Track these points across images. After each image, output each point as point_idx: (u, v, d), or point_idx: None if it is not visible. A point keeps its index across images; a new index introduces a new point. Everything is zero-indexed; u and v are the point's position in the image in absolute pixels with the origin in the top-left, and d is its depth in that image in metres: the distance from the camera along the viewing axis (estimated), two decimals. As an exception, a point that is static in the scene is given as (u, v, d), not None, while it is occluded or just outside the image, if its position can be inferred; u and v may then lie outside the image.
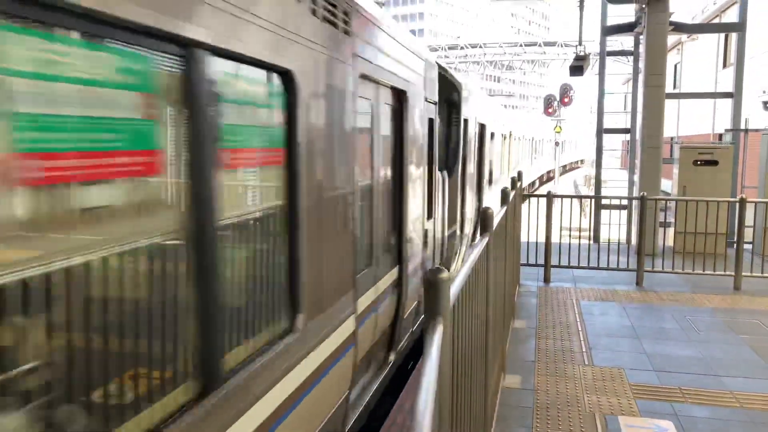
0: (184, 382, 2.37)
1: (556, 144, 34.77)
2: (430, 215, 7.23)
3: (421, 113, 6.39)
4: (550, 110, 32.23)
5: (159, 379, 2.26)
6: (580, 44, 12.77)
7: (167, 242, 2.32)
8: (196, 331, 2.40)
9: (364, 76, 4.45)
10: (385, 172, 5.38)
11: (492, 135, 14.23)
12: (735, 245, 9.14)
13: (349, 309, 4.19)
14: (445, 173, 8.64)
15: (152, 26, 2.05)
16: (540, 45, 45.35)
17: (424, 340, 1.78)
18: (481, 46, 45.81)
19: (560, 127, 34.34)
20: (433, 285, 1.87)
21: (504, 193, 5.49)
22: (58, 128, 1.82)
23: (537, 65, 47.84)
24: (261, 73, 3.02)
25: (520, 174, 8.44)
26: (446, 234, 8.63)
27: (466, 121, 9.83)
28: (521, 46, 46.10)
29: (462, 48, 45.12)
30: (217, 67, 2.49)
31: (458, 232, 9.82)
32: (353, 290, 4.27)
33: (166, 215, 2.36)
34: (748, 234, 10.04)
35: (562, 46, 43.45)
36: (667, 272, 9.55)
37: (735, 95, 12.80)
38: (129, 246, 2.13)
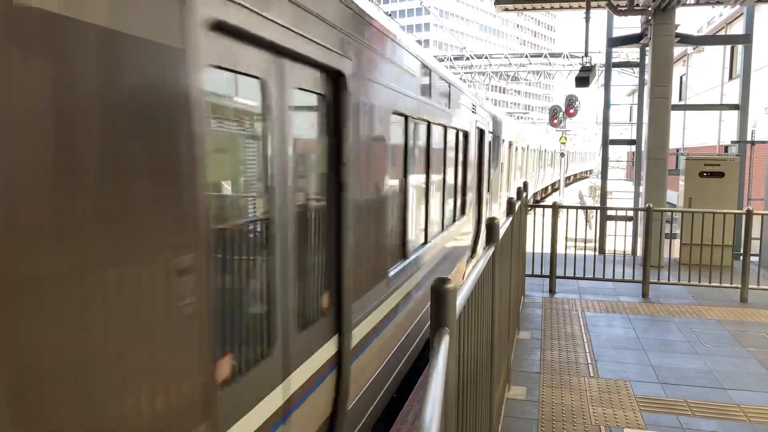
0: None
1: (561, 155, 34.73)
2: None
3: (491, 142, 13.00)
4: (555, 121, 32.21)
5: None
6: (586, 55, 12.76)
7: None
8: None
9: (480, 130, 11.12)
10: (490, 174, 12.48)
11: (516, 147, 20.91)
12: (741, 257, 9.10)
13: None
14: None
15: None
16: (545, 56, 45.43)
17: (430, 350, 1.78)
18: (486, 57, 45.93)
19: (565, 138, 34.32)
20: (439, 295, 1.87)
21: (509, 204, 5.48)
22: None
23: (542, 76, 47.92)
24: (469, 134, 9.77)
25: (525, 185, 8.44)
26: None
27: (503, 140, 15.78)
28: (527, 57, 46.19)
29: (467, 59, 45.22)
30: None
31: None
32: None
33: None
34: (754, 246, 9.99)
35: (567, 57, 43.51)
36: (673, 284, 9.51)
37: (741, 107, 12.77)
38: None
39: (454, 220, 8.53)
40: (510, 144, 18.42)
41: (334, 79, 3.78)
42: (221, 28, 2.38)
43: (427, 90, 6.36)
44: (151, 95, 1.95)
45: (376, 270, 4.68)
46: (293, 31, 3.02)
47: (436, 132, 7.04)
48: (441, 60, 44.22)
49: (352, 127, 3.98)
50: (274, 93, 2.96)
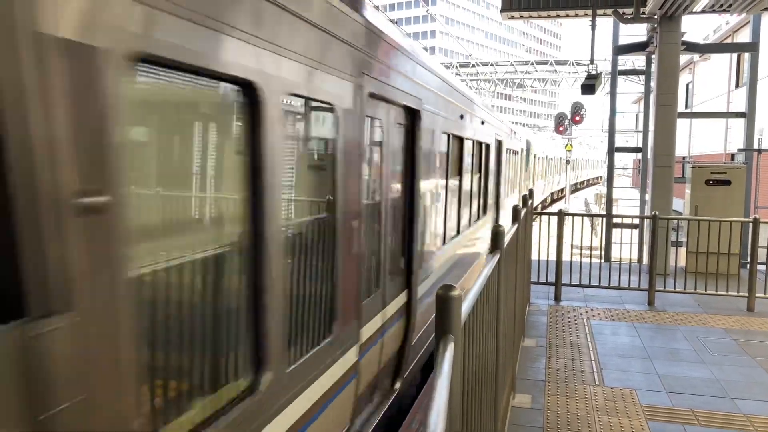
0: None
1: (567, 162, 34.70)
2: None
3: (508, 150, 15.02)
4: (561, 129, 32.20)
5: None
6: (591, 63, 12.77)
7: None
8: None
9: (498, 141, 12.81)
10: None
11: (536, 156, 27.33)
12: (748, 266, 9.05)
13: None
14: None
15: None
16: (551, 64, 45.46)
17: (435, 357, 1.77)
18: (492, 64, 45.99)
19: (571, 146, 34.29)
20: (444, 302, 1.87)
21: (515, 211, 5.47)
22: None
23: (548, 83, 47.94)
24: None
25: (531, 192, 8.44)
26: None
27: (518, 150, 18.63)
28: (532, 64, 46.23)
29: (473, 66, 45.30)
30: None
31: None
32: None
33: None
34: (761, 255, 9.94)
35: (573, 64, 43.54)
36: (679, 292, 9.47)
37: (748, 115, 12.74)
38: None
39: (478, 218, 10.57)
40: (522, 151, 20.21)
41: (412, 114, 5.71)
42: (372, 96, 4.41)
43: (464, 113, 8.37)
44: (350, 137, 3.91)
45: (432, 246, 6.59)
46: (401, 90, 5.10)
47: (468, 145, 8.93)
48: (447, 67, 44.32)
49: (422, 144, 5.86)
50: (388, 128, 5.02)
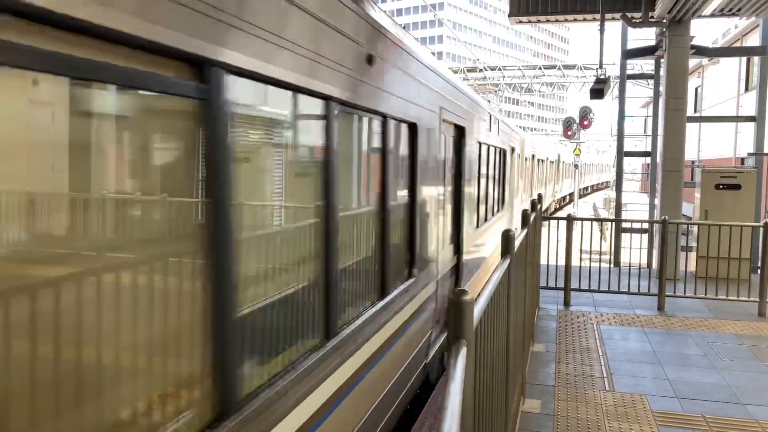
0: None
1: (576, 167, 34.63)
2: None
3: (518, 156, 16.76)
4: (569, 133, 32.14)
5: None
6: (600, 67, 12.73)
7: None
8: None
9: (512, 148, 14.90)
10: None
11: (551, 161, 31.07)
12: (759, 271, 8.99)
13: None
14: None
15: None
16: (559, 68, 45.37)
17: (448, 362, 1.78)
18: (500, 69, 45.95)
19: (579, 150, 34.22)
20: (457, 307, 1.87)
21: (524, 216, 5.46)
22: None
23: (556, 88, 47.84)
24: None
25: (540, 197, 8.44)
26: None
27: (529, 156, 20.90)
28: (540, 68, 46.16)
29: (481, 70, 45.28)
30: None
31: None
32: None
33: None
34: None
35: (581, 69, 43.44)
36: (689, 297, 9.41)
37: (758, 119, 12.67)
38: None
39: (499, 209, 12.84)
40: (533, 157, 22.41)
41: (460, 130, 7.86)
42: (444, 120, 6.56)
43: (490, 125, 10.49)
44: (436, 148, 6.33)
45: (470, 226, 8.72)
46: (455, 114, 7.27)
47: (492, 150, 11.13)
48: (455, 72, 44.36)
49: (466, 150, 8.07)
50: (449, 140, 7.14)
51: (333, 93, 3.39)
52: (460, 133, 7.76)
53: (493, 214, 11.61)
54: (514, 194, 16.10)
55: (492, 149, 11.04)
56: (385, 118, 4.61)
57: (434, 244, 6.38)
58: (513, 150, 15.16)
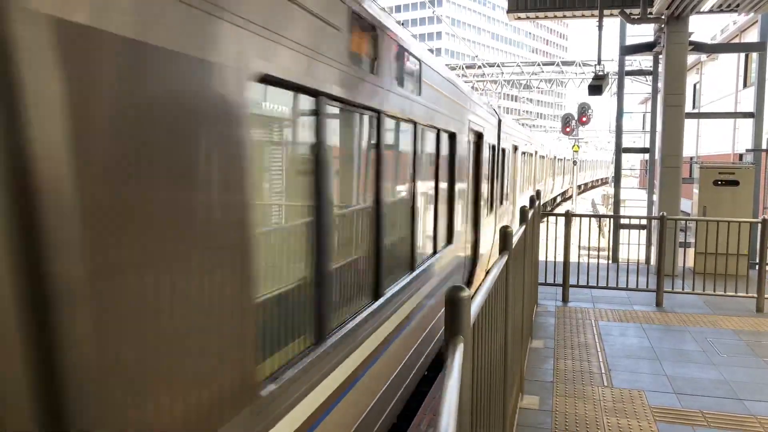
0: None
1: (574, 163, 34.61)
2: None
3: (522, 153, 18.64)
4: (567, 129, 32.12)
5: None
6: (599, 64, 12.72)
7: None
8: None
9: (515, 146, 16.55)
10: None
11: (555, 158, 33.90)
12: (757, 266, 9.00)
13: None
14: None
15: None
16: (558, 64, 45.36)
17: (445, 358, 1.78)
18: (498, 65, 45.93)
19: (578, 146, 34.20)
20: (454, 303, 1.87)
21: (522, 212, 5.46)
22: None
23: (555, 84, 47.81)
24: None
25: (538, 193, 8.43)
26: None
27: (533, 152, 22.57)
28: (539, 65, 46.14)
29: (479, 67, 45.25)
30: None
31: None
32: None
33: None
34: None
35: (580, 65, 43.44)
36: (688, 293, 9.42)
37: (756, 115, 12.68)
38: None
39: (501, 203, 14.27)
40: (535, 153, 23.04)
41: (479, 136, 9.62)
42: (470, 129, 8.67)
43: (499, 129, 12.39)
44: (467, 152, 8.47)
45: (484, 213, 10.37)
46: (476, 123, 9.13)
47: (498, 150, 12.64)
48: (453, 68, 44.35)
49: (483, 152, 9.79)
50: (471, 144, 8.96)
51: (417, 120, 5.53)
52: (479, 137, 9.74)
53: (500, 203, 13.88)
54: (516, 186, 17.67)
55: (500, 149, 12.96)
56: (438, 131, 6.60)
57: (461, 222, 8.36)
58: (516, 149, 16.89)
